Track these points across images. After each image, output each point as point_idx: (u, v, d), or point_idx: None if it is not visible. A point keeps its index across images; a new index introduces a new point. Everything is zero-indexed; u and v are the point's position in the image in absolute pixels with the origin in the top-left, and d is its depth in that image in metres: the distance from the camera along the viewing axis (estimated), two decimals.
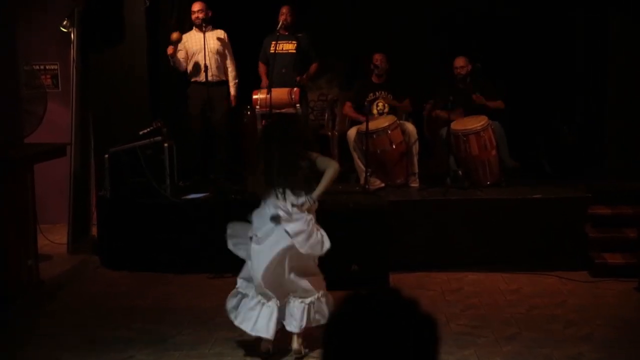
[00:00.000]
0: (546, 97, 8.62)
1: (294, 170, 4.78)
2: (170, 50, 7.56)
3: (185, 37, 7.71)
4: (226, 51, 7.88)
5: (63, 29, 7.74)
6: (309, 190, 4.83)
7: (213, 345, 5.11)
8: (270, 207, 4.87)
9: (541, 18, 8.74)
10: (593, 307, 5.79)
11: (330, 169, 4.89)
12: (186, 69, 7.77)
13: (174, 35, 7.53)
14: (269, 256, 4.75)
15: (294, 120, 5.32)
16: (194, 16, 7.73)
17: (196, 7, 7.70)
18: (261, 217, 4.91)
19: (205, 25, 7.72)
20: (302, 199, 4.81)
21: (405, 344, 1.39)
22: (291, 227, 4.77)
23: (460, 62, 7.73)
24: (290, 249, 4.75)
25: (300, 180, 4.80)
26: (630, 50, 7.58)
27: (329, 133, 8.59)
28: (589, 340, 5.09)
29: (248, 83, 7.96)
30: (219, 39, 7.81)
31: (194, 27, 7.79)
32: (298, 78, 7.76)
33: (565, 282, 6.38)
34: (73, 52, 7.73)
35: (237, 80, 7.90)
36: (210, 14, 7.72)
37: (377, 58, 7.81)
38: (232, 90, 7.88)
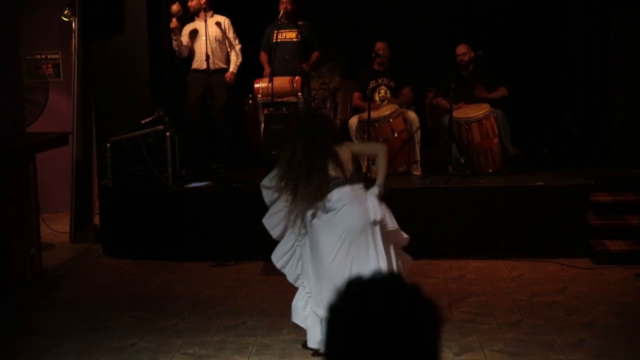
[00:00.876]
0: (548, 85, 8.60)
1: (313, 179, 4.56)
2: (173, 23, 7.53)
3: (186, 27, 7.70)
4: (228, 37, 7.86)
5: (64, 18, 7.74)
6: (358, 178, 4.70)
7: (215, 333, 5.12)
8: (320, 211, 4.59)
9: (544, 6, 8.71)
10: (595, 294, 5.79)
11: (380, 153, 4.85)
12: (187, 54, 7.76)
13: (174, 8, 7.52)
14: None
15: (320, 119, 5.05)
16: (192, 3, 7.69)
17: None
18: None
19: (206, 10, 7.71)
20: (374, 190, 4.65)
21: (409, 329, 1.39)
22: (372, 213, 4.55)
23: (462, 49, 7.71)
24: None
25: (322, 181, 4.57)
26: (633, 38, 7.54)
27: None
28: (591, 327, 5.09)
29: (249, 72, 7.95)
30: (218, 25, 7.79)
31: (195, 18, 7.77)
32: (300, 65, 7.74)
33: (567, 269, 6.38)
34: (74, 41, 7.73)
35: (240, 62, 7.84)
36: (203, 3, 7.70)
37: (379, 46, 7.79)
38: (232, 67, 7.83)
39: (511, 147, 7.61)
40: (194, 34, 7.73)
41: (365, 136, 7.33)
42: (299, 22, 7.89)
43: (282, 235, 4.85)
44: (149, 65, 7.78)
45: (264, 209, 6.89)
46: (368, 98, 7.50)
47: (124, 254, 6.98)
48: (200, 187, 7.13)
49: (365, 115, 7.30)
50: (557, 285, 6.02)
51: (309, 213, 4.58)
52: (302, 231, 4.66)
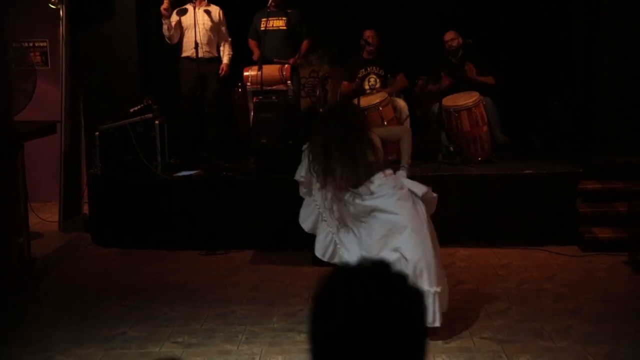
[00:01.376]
0: (537, 73, 8.60)
1: (357, 163, 4.69)
2: (165, 4, 7.48)
3: (179, 9, 7.65)
4: (220, 27, 7.83)
5: (52, 6, 7.68)
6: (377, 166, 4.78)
7: (205, 322, 5.12)
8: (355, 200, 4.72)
9: None
10: (583, 281, 5.83)
11: (405, 136, 5.02)
12: (177, 40, 7.72)
13: None
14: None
15: (347, 109, 5.13)
16: None
17: None
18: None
19: (197, 0, 7.68)
20: (402, 172, 4.86)
21: (394, 317, 1.39)
22: (417, 189, 4.73)
23: (450, 35, 7.73)
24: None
25: (367, 164, 4.73)
26: (624, 27, 7.55)
27: (321, 110, 8.57)
28: (579, 314, 5.12)
29: (238, 60, 7.92)
30: (211, 14, 7.76)
31: (189, 5, 7.73)
32: (291, 60, 7.71)
33: (556, 257, 6.41)
34: (62, 29, 7.67)
35: (231, 54, 7.85)
36: None
37: (368, 34, 7.78)
38: (225, 59, 7.82)
39: (500, 135, 7.63)
40: (184, 21, 7.69)
41: None
42: (288, 10, 7.85)
43: (313, 228, 5.00)
44: (137, 53, 7.74)
45: (253, 197, 6.91)
46: (357, 86, 7.48)
47: (113, 243, 6.97)
48: (189, 175, 7.11)
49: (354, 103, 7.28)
50: (546, 272, 6.04)
51: (350, 199, 4.70)
52: (337, 218, 4.79)
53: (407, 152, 5.01)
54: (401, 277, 1.44)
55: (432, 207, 4.89)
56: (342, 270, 1.45)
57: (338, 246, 4.87)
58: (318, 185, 4.86)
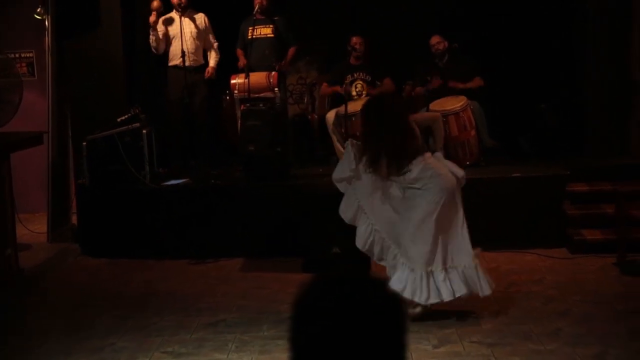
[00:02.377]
0: (525, 76, 8.63)
1: (402, 151, 4.96)
2: (152, 17, 7.48)
3: (163, 19, 7.64)
4: (207, 35, 7.84)
5: (37, 16, 7.66)
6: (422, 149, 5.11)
7: (195, 331, 5.11)
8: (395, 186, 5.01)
9: None
10: (572, 283, 5.85)
11: (436, 122, 5.39)
12: (164, 50, 7.72)
13: (155, 3, 7.48)
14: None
15: (387, 100, 5.38)
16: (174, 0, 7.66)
17: None
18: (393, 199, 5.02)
19: (183, 9, 7.67)
20: (439, 154, 5.20)
21: (375, 323, 1.39)
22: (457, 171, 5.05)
23: (435, 39, 7.78)
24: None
25: (412, 150, 5.01)
26: (610, 30, 7.59)
27: (309, 117, 8.58)
28: (568, 316, 5.14)
29: (226, 68, 7.92)
30: (198, 23, 7.76)
31: (173, 10, 7.72)
32: (277, 65, 7.72)
33: (544, 259, 6.43)
34: (48, 40, 7.65)
35: (218, 57, 7.84)
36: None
37: (355, 41, 7.80)
38: (212, 62, 7.81)
39: (488, 139, 7.65)
40: (171, 30, 7.69)
41: (343, 130, 7.33)
42: (275, 18, 7.86)
43: (353, 219, 5.19)
44: (123, 62, 7.73)
45: (242, 205, 6.90)
46: (345, 93, 7.50)
47: (102, 253, 6.94)
48: (178, 184, 7.10)
49: (342, 109, 7.30)
50: (535, 275, 6.06)
51: (393, 187, 4.98)
52: (379, 208, 5.02)
53: (439, 137, 5.31)
54: (380, 283, 1.45)
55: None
56: (322, 278, 1.45)
57: (378, 236, 5.08)
58: (363, 176, 5.09)
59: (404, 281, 4.91)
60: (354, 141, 5.32)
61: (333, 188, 6.68)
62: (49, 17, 7.59)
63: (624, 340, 4.71)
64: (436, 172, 4.93)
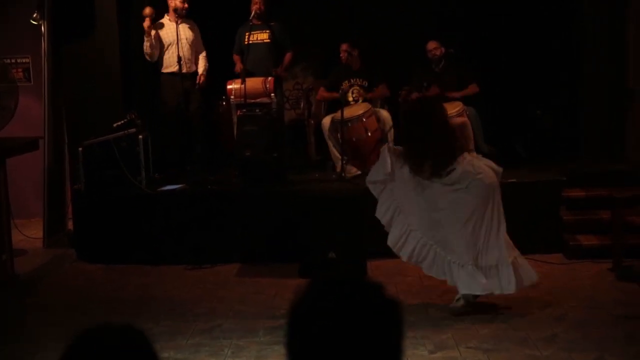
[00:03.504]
0: (520, 81, 8.65)
1: (451, 150, 5.17)
2: (147, 23, 7.47)
3: (156, 25, 7.63)
4: (198, 42, 7.85)
5: (33, 22, 7.66)
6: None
7: (191, 337, 5.10)
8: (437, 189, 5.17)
9: (515, 2, 8.76)
10: (567, 288, 5.85)
11: (466, 127, 5.65)
12: (157, 57, 7.70)
13: (147, 10, 7.47)
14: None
15: (428, 104, 5.53)
16: (178, 4, 7.62)
17: None
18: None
19: (183, 16, 7.68)
20: (474, 152, 5.47)
21: (372, 327, 1.39)
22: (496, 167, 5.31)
23: (432, 44, 7.78)
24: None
25: (456, 149, 5.22)
26: (604, 34, 7.61)
27: (305, 122, 8.59)
28: (564, 322, 5.14)
29: (222, 74, 7.93)
30: (191, 30, 7.77)
31: (166, 16, 7.72)
32: (274, 71, 7.73)
33: (541, 265, 6.41)
34: (44, 45, 7.66)
35: (207, 65, 7.83)
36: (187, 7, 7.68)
37: (344, 48, 7.79)
38: (201, 70, 7.79)
39: (484, 144, 7.65)
40: (166, 37, 7.68)
41: (339, 136, 7.34)
42: (271, 23, 7.87)
43: (390, 222, 5.37)
44: (120, 67, 7.72)
45: (239, 210, 6.90)
46: (341, 98, 7.51)
47: (98, 258, 6.93)
48: (174, 189, 7.10)
49: (338, 115, 7.31)
50: None
51: (439, 184, 5.14)
52: (417, 209, 5.21)
53: (470, 139, 5.57)
54: (377, 287, 1.45)
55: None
56: (318, 283, 1.45)
57: (413, 237, 5.26)
58: (399, 179, 5.26)
59: (460, 279, 5.13)
60: (390, 145, 5.54)
61: (329, 193, 6.70)
62: (45, 22, 7.59)
63: (620, 345, 4.71)
64: (479, 170, 5.15)
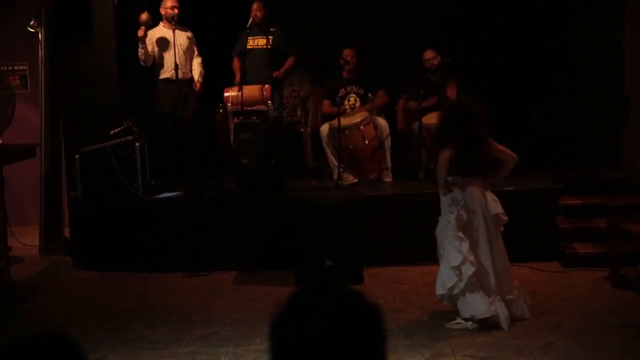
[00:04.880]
0: (516, 89, 8.68)
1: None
2: (141, 31, 7.48)
3: (152, 32, 7.64)
4: (194, 49, 7.87)
5: (31, 29, 7.66)
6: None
7: (187, 344, 5.10)
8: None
9: (510, 10, 8.79)
10: (564, 297, 5.86)
11: (510, 161, 5.37)
12: (152, 63, 7.71)
13: (143, 17, 7.47)
14: None
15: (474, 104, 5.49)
16: (168, 11, 7.64)
17: (171, 2, 7.64)
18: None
19: (175, 23, 7.68)
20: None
21: (352, 336, 1.40)
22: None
23: (430, 54, 7.76)
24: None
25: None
26: (598, 41, 7.64)
27: (302, 129, 8.60)
28: (560, 330, 5.15)
29: (219, 81, 7.94)
30: (187, 37, 7.78)
31: (161, 23, 7.73)
32: (275, 73, 7.74)
33: (537, 273, 6.44)
34: (41, 52, 7.66)
35: (203, 71, 7.83)
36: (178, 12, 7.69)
37: (347, 53, 7.82)
38: (196, 76, 7.78)
39: None
40: (162, 43, 7.69)
41: (336, 144, 7.35)
42: (271, 29, 7.88)
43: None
44: (117, 75, 7.73)
45: (235, 218, 6.90)
46: (338, 105, 7.52)
47: (94, 266, 6.92)
48: (170, 197, 7.10)
49: (335, 122, 7.32)
50: (527, 288, 6.03)
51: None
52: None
53: (503, 175, 5.43)
54: (357, 295, 1.45)
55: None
56: (299, 294, 1.46)
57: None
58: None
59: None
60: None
61: (326, 200, 6.70)
62: (43, 29, 7.59)
63: (616, 353, 4.72)
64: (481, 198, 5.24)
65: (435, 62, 7.74)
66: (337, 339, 1.37)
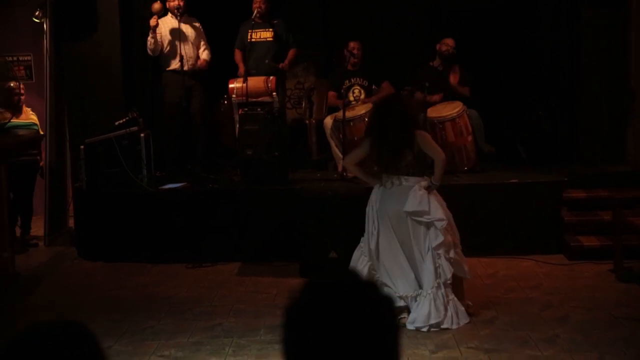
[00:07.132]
0: (521, 82, 8.65)
1: (404, 155, 5.14)
2: (153, 20, 7.48)
3: (160, 22, 7.63)
4: (201, 40, 7.86)
5: (35, 20, 7.67)
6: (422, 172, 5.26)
7: (192, 335, 5.10)
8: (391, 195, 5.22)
9: (515, 5, 8.76)
10: (568, 289, 5.85)
11: (438, 159, 5.28)
12: (160, 53, 7.71)
13: (156, 6, 7.48)
14: None
15: (400, 102, 5.52)
16: (171, 3, 7.65)
17: None
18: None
19: (181, 14, 7.68)
20: (424, 183, 5.22)
21: (367, 325, 1.39)
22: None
23: (451, 42, 7.79)
24: None
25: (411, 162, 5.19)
26: (602, 36, 7.62)
27: (307, 121, 8.59)
28: (565, 322, 5.14)
29: (224, 72, 7.93)
30: (194, 28, 7.77)
31: (169, 14, 7.72)
32: (280, 65, 7.73)
33: (542, 265, 6.44)
34: (46, 43, 7.66)
35: (210, 56, 7.82)
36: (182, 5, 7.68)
37: (353, 46, 7.81)
38: (204, 56, 7.79)
39: (485, 145, 7.67)
40: (169, 34, 7.69)
41: (341, 135, 7.34)
42: (274, 22, 7.87)
43: None
44: (122, 66, 7.72)
45: (240, 209, 6.90)
46: (343, 98, 7.51)
47: (99, 256, 6.93)
48: (175, 188, 7.10)
49: (340, 114, 7.31)
50: (532, 281, 6.06)
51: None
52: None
53: (439, 174, 5.32)
54: (370, 286, 1.45)
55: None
56: (312, 284, 1.45)
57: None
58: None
59: None
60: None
61: (330, 192, 6.70)
62: (48, 20, 7.60)
63: (620, 346, 4.71)
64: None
65: (451, 51, 7.76)
66: (351, 328, 1.37)
